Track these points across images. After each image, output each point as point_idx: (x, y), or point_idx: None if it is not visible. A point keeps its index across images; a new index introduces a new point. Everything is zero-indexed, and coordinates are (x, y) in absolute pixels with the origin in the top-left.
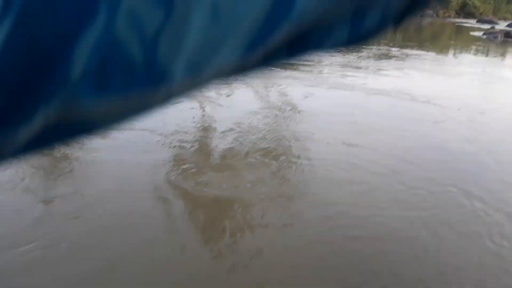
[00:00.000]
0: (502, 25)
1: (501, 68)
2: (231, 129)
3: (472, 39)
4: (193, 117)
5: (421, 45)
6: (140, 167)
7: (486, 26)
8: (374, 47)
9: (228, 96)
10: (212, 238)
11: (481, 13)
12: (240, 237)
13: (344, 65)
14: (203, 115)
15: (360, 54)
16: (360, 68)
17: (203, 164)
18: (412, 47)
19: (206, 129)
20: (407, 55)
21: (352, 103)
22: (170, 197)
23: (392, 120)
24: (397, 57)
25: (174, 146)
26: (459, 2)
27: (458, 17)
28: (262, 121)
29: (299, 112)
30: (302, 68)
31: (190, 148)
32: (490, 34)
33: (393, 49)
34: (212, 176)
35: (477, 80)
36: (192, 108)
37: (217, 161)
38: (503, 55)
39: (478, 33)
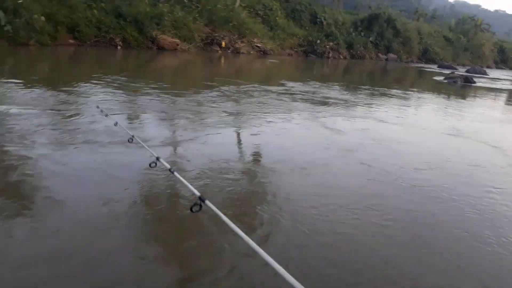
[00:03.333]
0: (461, 71)
1: (464, 107)
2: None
3: (435, 83)
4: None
5: (388, 86)
6: None
7: (447, 71)
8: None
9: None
10: None
11: (441, 59)
12: None
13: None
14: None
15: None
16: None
17: None
18: (380, 88)
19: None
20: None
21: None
22: None
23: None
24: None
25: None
26: (421, 48)
27: (420, 62)
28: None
29: None
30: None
31: None
32: (451, 79)
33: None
34: None
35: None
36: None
37: None
38: (463, 97)
39: (440, 78)
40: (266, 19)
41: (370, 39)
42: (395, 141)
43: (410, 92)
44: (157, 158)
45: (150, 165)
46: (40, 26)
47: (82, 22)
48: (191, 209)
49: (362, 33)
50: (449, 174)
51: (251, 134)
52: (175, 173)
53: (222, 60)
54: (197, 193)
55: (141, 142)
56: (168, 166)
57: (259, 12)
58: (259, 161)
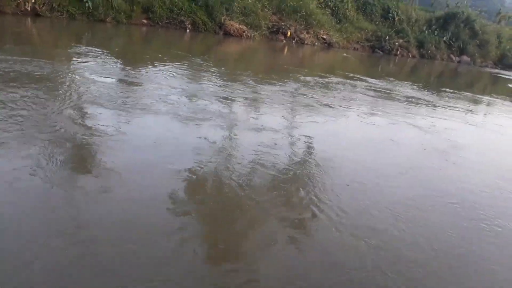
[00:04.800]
0: None
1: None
2: None
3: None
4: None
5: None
6: None
7: None
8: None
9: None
10: None
11: None
12: None
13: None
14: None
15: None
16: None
17: None
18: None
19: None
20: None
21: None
22: None
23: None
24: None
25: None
26: (498, 53)
27: (495, 67)
28: None
29: None
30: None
31: None
32: None
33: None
34: None
35: None
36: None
37: None
38: None
39: None
40: (335, 11)
41: (444, 39)
42: (491, 149)
43: (489, 98)
44: None
45: None
46: (118, 4)
47: (156, 3)
48: None
49: (436, 32)
50: None
51: (352, 131)
52: None
53: (289, 50)
54: None
55: None
56: None
57: (329, 3)
58: (369, 165)
